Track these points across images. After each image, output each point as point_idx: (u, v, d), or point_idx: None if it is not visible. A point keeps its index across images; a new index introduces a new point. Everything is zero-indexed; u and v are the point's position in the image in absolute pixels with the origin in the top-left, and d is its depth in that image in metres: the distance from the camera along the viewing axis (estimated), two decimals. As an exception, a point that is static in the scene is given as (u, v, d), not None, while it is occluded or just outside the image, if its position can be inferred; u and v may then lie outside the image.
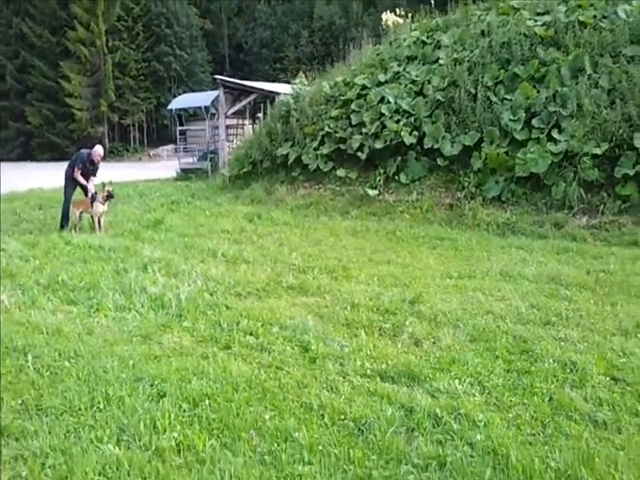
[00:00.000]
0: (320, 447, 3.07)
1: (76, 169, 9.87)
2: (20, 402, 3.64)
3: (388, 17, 15.76)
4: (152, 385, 3.82)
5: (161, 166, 30.71)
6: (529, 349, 4.32)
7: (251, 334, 4.71)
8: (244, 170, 13.90)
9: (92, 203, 9.65)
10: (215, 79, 21.63)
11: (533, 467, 2.85)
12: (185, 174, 20.88)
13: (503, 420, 3.35)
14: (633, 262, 6.87)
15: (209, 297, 5.67)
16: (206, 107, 22.14)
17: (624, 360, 4.09)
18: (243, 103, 21.54)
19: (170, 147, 41.91)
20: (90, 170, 9.96)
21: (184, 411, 3.48)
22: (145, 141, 49.13)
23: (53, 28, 43.90)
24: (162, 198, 14.01)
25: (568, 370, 3.96)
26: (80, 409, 3.53)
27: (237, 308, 5.36)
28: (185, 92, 39.74)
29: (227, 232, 9.34)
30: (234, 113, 22.14)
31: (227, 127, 21.63)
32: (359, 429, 3.28)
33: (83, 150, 10.37)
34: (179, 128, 24.55)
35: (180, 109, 24.52)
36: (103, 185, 9.85)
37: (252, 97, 21.07)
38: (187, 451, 3.09)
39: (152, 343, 4.59)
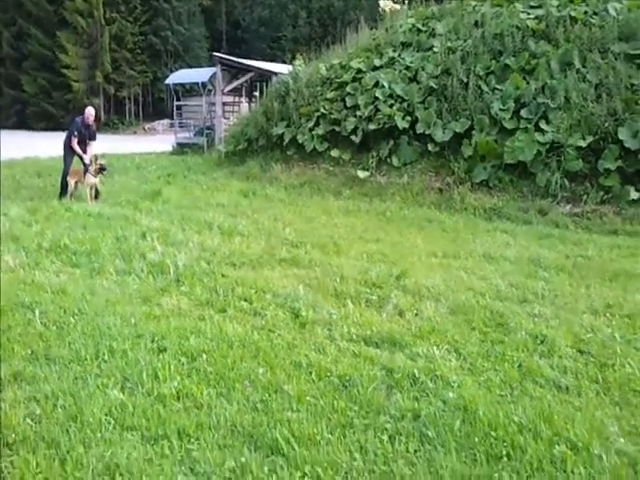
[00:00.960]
0: (307, 398, 3.38)
1: (73, 138, 10.00)
2: (30, 352, 3.91)
3: (385, 3, 15.88)
4: (153, 341, 4.11)
5: (157, 140, 30.73)
6: (504, 322, 4.64)
7: (245, 300, 5.01)
8: (240, 147, 14.10)
9: (85, 174, 9.85)
10: (213, 56, 21.65)
11: (498, 421, 3.18)
12: (181, 148, 21.02)
13: (475, 382, 3.67)
14: (611, 249, 7.22)
15: (205, 265, 5.94)
16: (203, 83, 22.19)
17: (591, 335, 4.42)
18: (240, 81, 21.64)
19: (166, 121, 41.82)
20: (86, 134, 10.10)
21: (183, 364, 3.78)
22: (141, 114, 48.94)
23: (50, -4, 43.39)
24: (159, 171, 14.23)
25: (538, 342, 4.29)
26: (86, 359, 3.82)
27: (232, 276, 5.64)
28: (181, 67, 39.61)
29: (222, 206, 9.59)
30: (231, 90, 22.23)
31: (224, 104, 21.70)
32: (343, 385, 3.59)
33: (77, 117, 10.48)
34: (176, 103, 24.54)
35: (177, 84, 24.53)
36: (95, 158, 10.00)
37: (249, 75, 21.18)
38: (186, 398, 3.38)
39: (152, 304, 4.86)
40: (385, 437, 3.04)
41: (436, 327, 4.49)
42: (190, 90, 27.67)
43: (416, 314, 4.80)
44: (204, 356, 3.87)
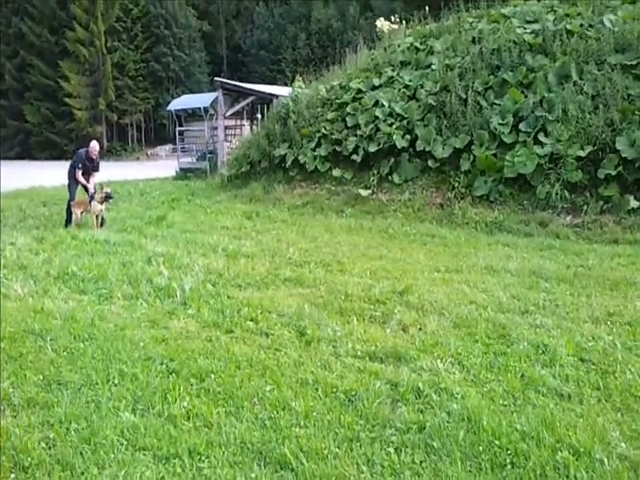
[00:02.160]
0: (314, 414, 3.46)
1: (77, 170, 10.23)
2: (42, 378, 4.01)
3: (383, 24, 16.18)
4: (162, 363, 4.20)
5: (159, 165, 31.07)
6: (507, 334, 4.71)
7: (251, 320, 5.10)
8: (243, 170, 14.29)
9: (90, 202, 10.05)
10: (214, 81, 22.01)
11: (501, 430, 3.24)
12: (184, 173, 21.26)
13: (478, 393, 3.73)
14: (611, 258, 7.28)
15: (211, 288, 6.05)
16: (205, 108, 22.50)
17: (592, 343, 4.48)
18: (241, 105, 21.95)
19: (168, 147, 42.34)
20: (90, 167, 10.34)
21: (192, 385, 3.86)
22: (143, 140, 49.53)
23: (52, 28, 44.32)
24: (162, 196, 14.41)
25: (540, 352, 4.35)
26: (97, 383, 3.91)
27: (238, 297, 5.74)
28: (183, 92, 40.20)
29: (227, 228, 9.73)
30: (233, 114, 22.54)
31: (226, 128, 22.00)
32: (349, 400, 3.66)
33: (80, 150, 10.71)
34: (178, 128, 24.88)
35: (179, 110, 24.88)
36: (101, 187, 10.23)
37: (250, 99, 21.48)
38: (196, 417, 3.47)
39: (160, 328, 4.97)
40: (391, 449, 3.11)
41: (440, 341, 4.57)
42: (192, 115, 28.06)
43: (420, 329, 4.88)
44: (212, 376, 3.95)
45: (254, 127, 21.38)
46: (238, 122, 25.33)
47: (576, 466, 2.92)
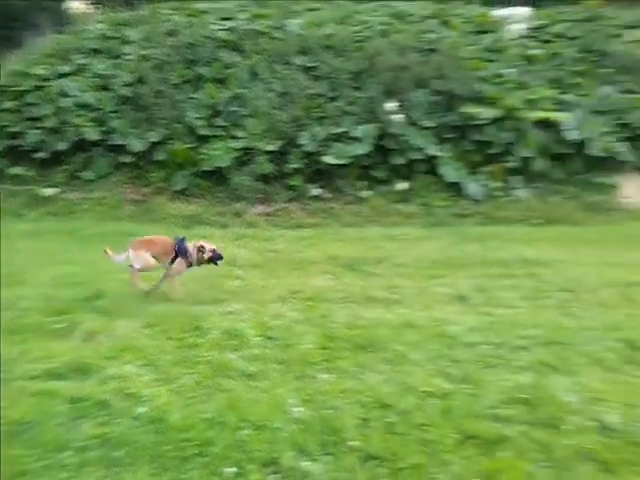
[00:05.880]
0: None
1: None
2: None
3: (72, 4, 14.80)
4: None
5: None
6: (200, 325, 4.71)
7: None
8: None
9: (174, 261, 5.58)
10: None
11: (188, 423, 3.24)
12: None
13: (168, 391, 3.65)
14: (297, 241, 7.99)
15: None
16: None
17: (277, 322, 4.82)
18: None
19: None
20: None
21: None
22: None
23: None
24: None
25: (231, 337, 4.48)
26: None
27: None
28: None
29: None
30: None
31: None
32: (22, 431, 3.20)
33: None
34: None
35: None
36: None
37: None
38: None
39: None
40: (65, 474, 2.81)
41: (130, 344, 4.35)
42: None
43: (109, 335, 4.57)
44: None
45: None
46: None
47: (257, 440, 3.06)
